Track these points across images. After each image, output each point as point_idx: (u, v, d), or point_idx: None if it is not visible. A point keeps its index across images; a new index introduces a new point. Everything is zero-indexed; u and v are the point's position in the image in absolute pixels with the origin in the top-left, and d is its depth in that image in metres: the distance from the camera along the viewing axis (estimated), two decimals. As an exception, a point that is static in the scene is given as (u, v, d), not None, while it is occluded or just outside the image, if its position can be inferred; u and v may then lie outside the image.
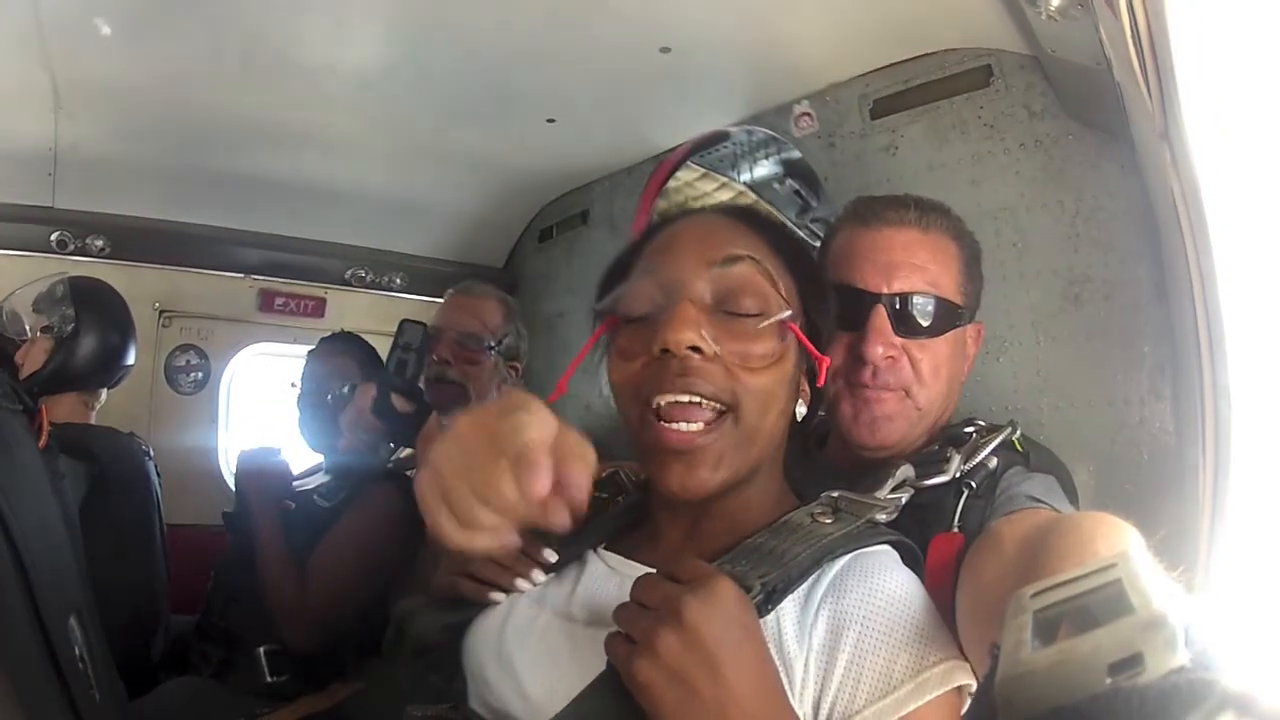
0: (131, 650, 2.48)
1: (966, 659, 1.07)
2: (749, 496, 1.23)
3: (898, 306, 1.53)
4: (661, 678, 0.93)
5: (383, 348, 3.04)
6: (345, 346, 2.99)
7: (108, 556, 2.35)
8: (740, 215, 1.29)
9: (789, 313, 1.19)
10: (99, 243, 3.39)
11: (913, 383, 1.56)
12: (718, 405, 1.14)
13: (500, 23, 2.23)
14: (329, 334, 3.11)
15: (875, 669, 1.04)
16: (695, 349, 1.12)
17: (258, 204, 3.54)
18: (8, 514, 1.28)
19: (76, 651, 1.47)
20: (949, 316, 1.57)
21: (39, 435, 1.69)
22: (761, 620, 1.04)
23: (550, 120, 2.87)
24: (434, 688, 1.32)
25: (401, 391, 2.37)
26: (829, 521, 1.19)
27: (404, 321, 2.38)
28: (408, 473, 2.79)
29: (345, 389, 2.80)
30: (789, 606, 1.10)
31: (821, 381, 1.27)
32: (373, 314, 3.98)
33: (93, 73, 2.55)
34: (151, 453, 2.95)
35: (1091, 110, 1.87)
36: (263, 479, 2.61)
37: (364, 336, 3.14)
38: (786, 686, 1.03)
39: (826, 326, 1.31)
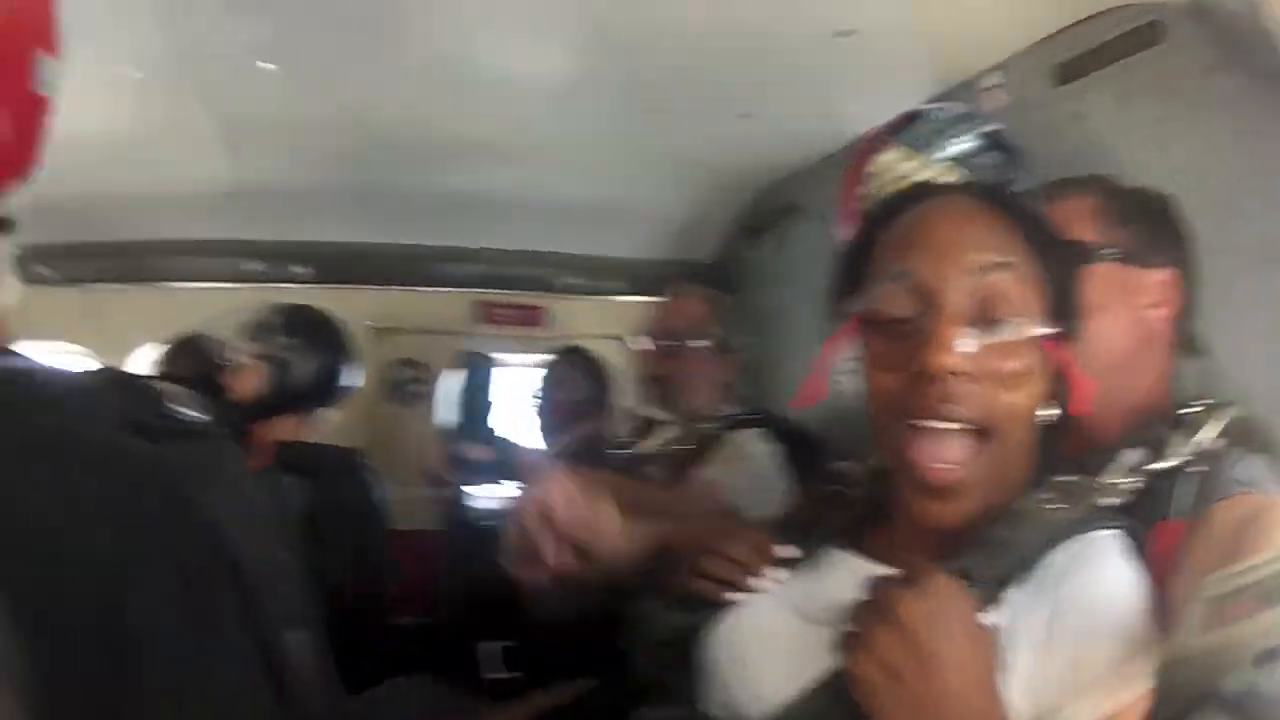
0: (357, 655, 2.63)
1: None
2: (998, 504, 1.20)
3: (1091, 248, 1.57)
4: (876, 673, 0.95)
5: (605, 351, 3.40)
6: (578, 360, 3.26)
7: (331, 567, 2.51)
8: (992, 199, 1.26)
9: (1049, 330, 1.17)
10: (299, 269, 3.71)
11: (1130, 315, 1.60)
12: (975, 430, 1.13)
13: (678, 20, 2.32)
14: (558, 344, 3.33)
15: (1086, 661, 1.02)
16: (956, 371, 1.11)
17: (463, 220, 3.77)
18: (224, 537, 1.39)
19: (293, 661, 1.59)
20: (1150, 248, 1.65)
21: (253, 456, 1.75)
22: (985, 613, 1.05)
23: (744, 115, 2.96)
24: (668, 689, 1.35)
25: (471, 439, 2.46)
26: (1056, 508, 1.16)
27: (468, 354, 2.55)
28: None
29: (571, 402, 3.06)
30: (1016, 596, 1.08)
31: (1090, 409, 1.23)
32: (591, 319, 4.19)
33: (259, 110, 2.77)
34: (371, 464, 3.13)
35: (1271, 61, 1.80)
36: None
37: (584, 342, 3.41)
38: (1006, 677, 1.03)
39: (1074, 321, 1.26)
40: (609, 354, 3.81)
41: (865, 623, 0.98)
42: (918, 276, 1.16)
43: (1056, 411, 1.21)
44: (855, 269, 1.27)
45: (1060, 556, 1.10)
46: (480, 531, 2.82)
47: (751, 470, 2.55)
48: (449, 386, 2.48)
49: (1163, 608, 1.13)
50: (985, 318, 1.14)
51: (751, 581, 1.30)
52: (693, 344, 2.82)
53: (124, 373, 1.57)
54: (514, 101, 2.81)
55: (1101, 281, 1.58)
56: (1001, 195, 1.29)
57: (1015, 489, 1.20)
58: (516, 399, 3.16)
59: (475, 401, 2.46)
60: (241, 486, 1.65)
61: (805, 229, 3.50)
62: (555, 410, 3.06)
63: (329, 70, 2.57)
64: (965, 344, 1.11)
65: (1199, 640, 0.74)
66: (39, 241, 3.60)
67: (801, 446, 2.69)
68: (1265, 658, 0.68)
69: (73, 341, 3.93)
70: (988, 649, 0.99)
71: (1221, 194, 1.95)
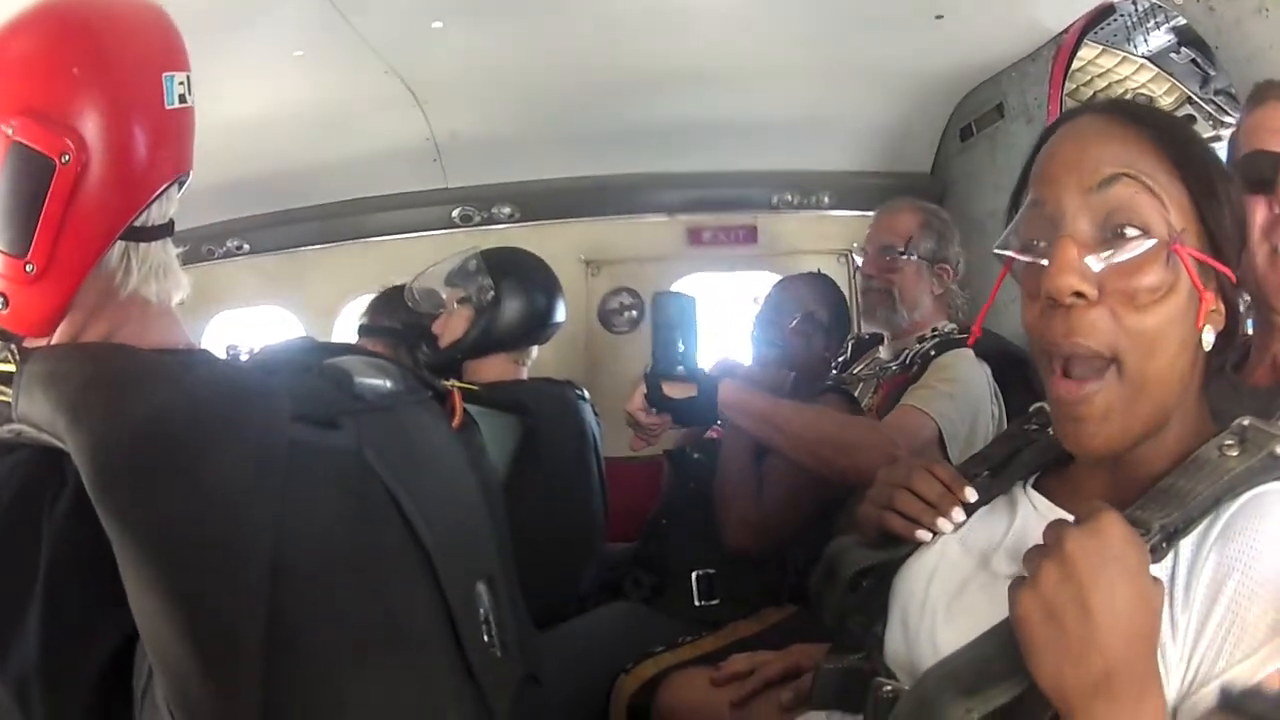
0: (561, 588, 2.78)
1: None
2: (1165, 441, 1.15)
3: None
4: (1038, 612, 0.93)
5: (820, 266, 3.41)
6: (812, 281, 3.20)
7: (540, 500, 2.62)
8: (1125, 115, 1.17)
9: (1173, 234, 1.09)
10: (507, 209, 3.82)
11: None
12: (1104, 353, 1.08)
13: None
14: (807, 273, 3.29)
15: (1243, 625, 0.97)
16: (1079, 294, 1.07)
17: (665, 147, 3.83)
18: (409, 510, 1.38)
19: (481, 615, 1.55)
20: None
21: (452, 416, 1.87)
22: (1159, 563, 1.02)
23: (939, 16, 2.96)
24: (852, 633, 1.36)
25: (672, 377, 2.42)
26: (1235, 454, 1.09)
27: (658, 295, 2.46)
28: (846, 387, 2.96)
29: (795, 320, 3.01)
30: (1185, 551, 1.04)
31: (1221, 314, 1.17)
32: (804, 234, 4.17)
33: (442, 66, 2.92)
34: (586, 395, 3.19)
35: None
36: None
37: (799, 257, 3.48)
38: (1169, 637, 1.00)
39: (1231, 233, 1.18)
40: (827, 268, 3.76)
41: (1036, 563, 0.96)
42: (1045, 204, 1.14)
43: (1211, 337, 1.15)
44: (1017, 199, 1.26)
45: (1233, 509, 1.05)
46: (689, 461, 2.86)
47: (962, 393, 2.57)
48: (651, 325, 2.49)
49: None
50: (1112, 235, 1.10)
51: (940, 521, 1.29)
52: (907, 256, 2.84)
53: (316, 349, 1.66)
54: (710, 29, 2.89)
55: None
56: (1133, 108, 1.20)
57: (1179, 419, 1.16)
58: (729, 324, 3.17)
59: (671, 339, 2.45)
60: (432, 450, 1.74)
61: (1015, 130, 3.45)
62: (777, 331, 3.07)
63: (521, 21, 2.70)
64: (1087, 264, 1.07)
65: None
66: (245, 214, 3.97)
67: (1011, 367, 2.69)
68: None
69: (282, 305, 4.26)
70: (1153, 603, 0.95)
71: None
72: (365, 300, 3.53)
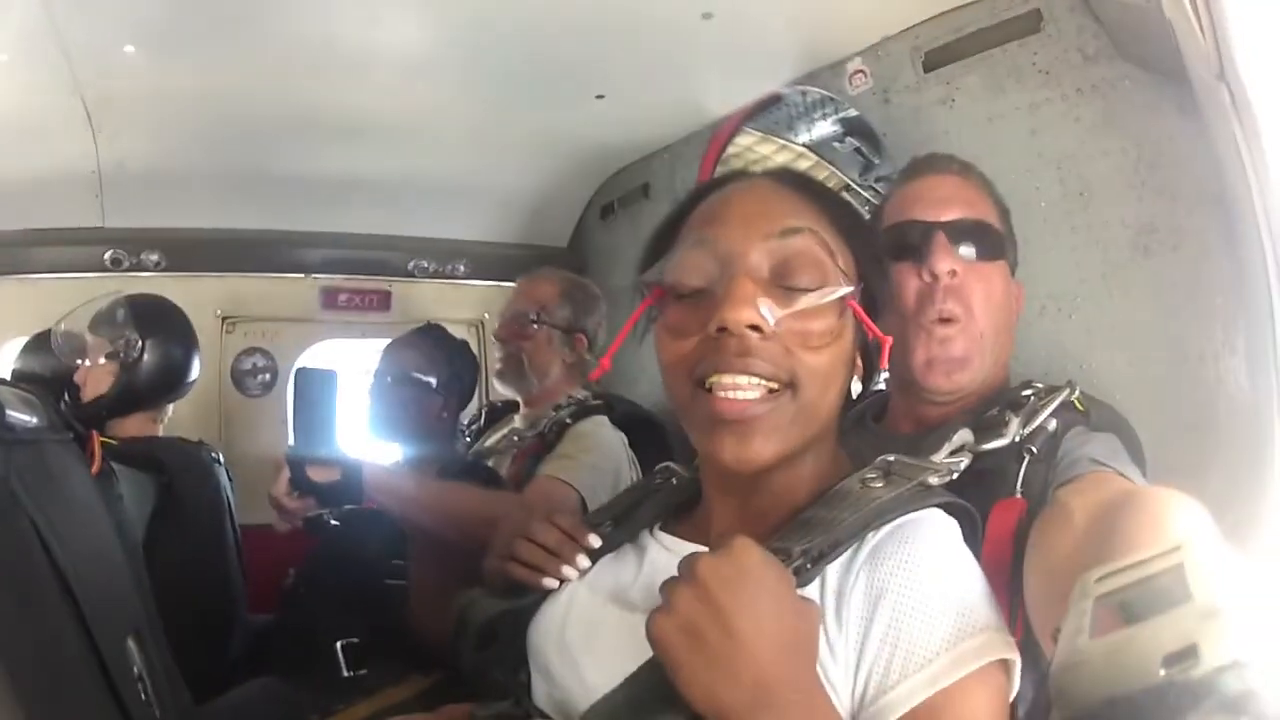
0: (207, 653, 2.64)
1: (1010, 633, 1.08)
2: (801, 473, 1.23)
3: (954, 232, 1.65)
4: (674, 630, 0.94)
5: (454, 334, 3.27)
6: (417, 338, 3.12)
7: (179, 562, 2.50)
8: (795, 182, 1.28)
9: (849, 289, 1.18)
10: (154, 257, 3.60)
11: (976, 306, 1.65)
12: (774, 386, 1.14)
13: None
14: (417, 326, 3.24)
15: (910, 641, 1.03)
16: (754, 328, 1.12)
17: (313, 202, 3.72)
18: (54, 548, 1.32)
19: (135, 671, 1.52)
20: (998, 245, 1.71)
21: (91, 462, 1.77)
22: (808, 590, 1.08)
23: (599, 96, 2.98)
24: (497, 683, 1.36)
25: (315, 460, 2.29)
26: (879, 485, 1.18)
27: (299, 371, 2.37)
28: (488, 462, 2.92)
29: (389, 380, 2.97)
30: (832, 576, 1.10)
31: (884, 363, 1.28)
32: (440, 303, 4.16)
33: (125, 89, 2.73)
34: (221, 458, 3.11)
35: (1146, 52, 1.85)
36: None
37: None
38: (828, 656, 1.05)
39: (884, 297, 1.31)
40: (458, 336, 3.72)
41: (671, 590, 0.98)
42: (718, 243, 1.19)
43: (858, 386, 1.28)
44: (663, 243, 1.31)
45: (881, 535, 1.12)
46: (329, 530, 2.66)
47: (602, 461, 2.59)
48: (291, 403, 2.35)
49: (1009, 586, 1.21)
50: (784, 281, 1.17)
51: (560, 568, 1.33)
52: (544, 324, 2.90)
53: None
54: (367, 81, 2.81)
55: (1005, 281, 1.74)
56: (803, 177, 1.33)
57: (815, 455, 1.24)
58: (362, 394, 3.03)
59: (314, 420, 2.29)
60: (74, 492, 1.60)
61: (658, 210, 3.44)
62: (387, 390, 2.95)
63: (183, 51, 2.55)
64: (763, 303, 1.13)
65: (1097, 643, 0.71)
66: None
67: (646, 431, 2.79)
68: (1175, 659, 0.64)
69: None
70: (803, 618, 0.99)
71: (1094, 181, 2.04)
72: (20, 343, 3.28)
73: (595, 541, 1.35)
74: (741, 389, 1.13)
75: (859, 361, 1.27)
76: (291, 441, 2.32)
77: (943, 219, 1.66)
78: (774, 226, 1.18)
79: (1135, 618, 0.70)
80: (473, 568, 2.39)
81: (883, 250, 1.38)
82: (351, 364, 3.94)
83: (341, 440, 2.37)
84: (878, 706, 1.02)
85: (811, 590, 1.08)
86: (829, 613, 1.07)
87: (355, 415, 3.12)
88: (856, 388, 1.27)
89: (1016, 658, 1.06)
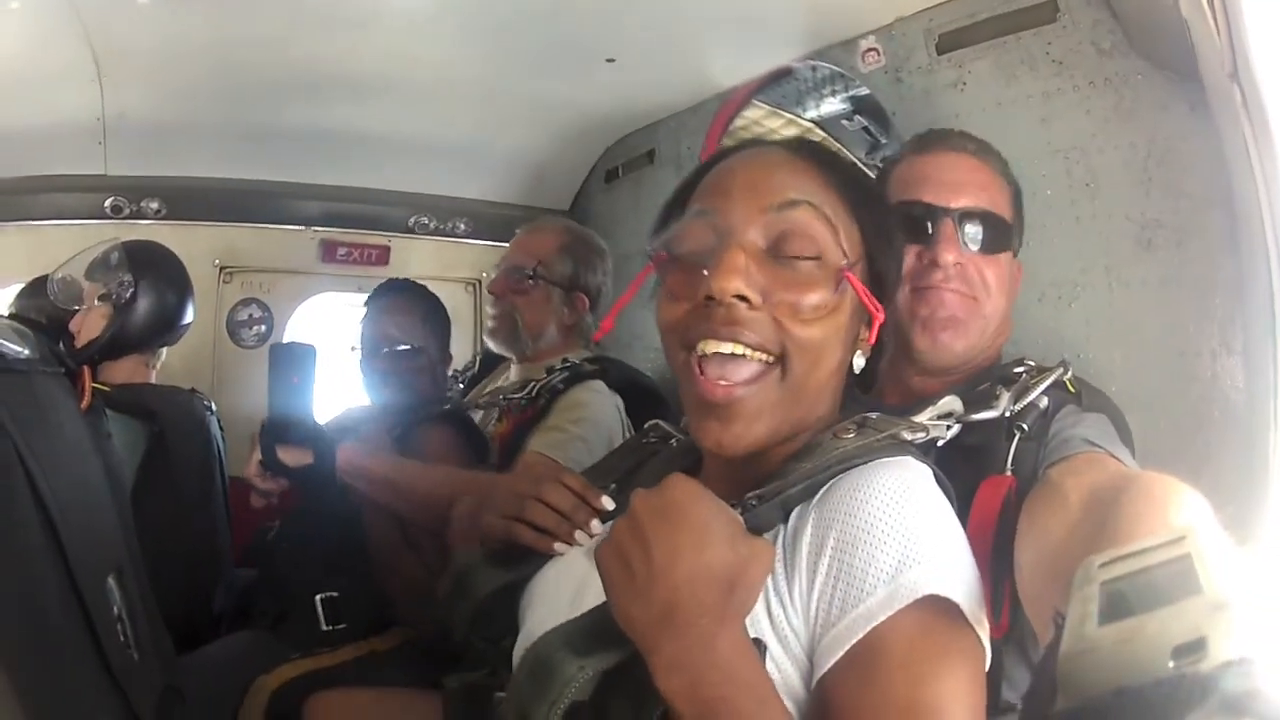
0: (193, 604, 2.68)
1: (948, 570, 1.05)
2: (795, 448, 1.22)
3: (964, 220, 1.66)
4: (609, 555, 1.01)
5: (447, 294, 3.29)
6: (403, 299, 3.04)
7: (167, 512, 2.53)
8: (804, 151, 1.28)
9: (845, 261, 1.19)
10: (154, 205, 3.61)
11: (979, 289, 1.66)
12: (764, 356, 1.16)
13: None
14: (385, 282, 3.16)
15: (849, 574, 1.03)
16: (742, 298, 1.14)
17: (316, 156, 3.72)
18: (38, 478, 1.31)
19: (115, 611, 1.52)
20: (1005, 236, 1.71)
21: (81, 397, 1.77)
22: (767, 531, 1.11)
23: (610, 60, 2.96)
24: (478, 648, 1.37)
25: (287, 441, 2.32)
26: (850, 436, 1.18)
27: (274, 347, 2.38)
28: (464, 413, 2.89)
29: (402, 348, 2.91)
30: (793, 518, 1.12)
31: (873, 339, 1.27)
32: (438, 260, 4.18)
33: (133, 39, 2.71)
34: (214, 407, 3.13)
35: (1160, 48, 1.87)
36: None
37: (427, 284, 3.21)
38: (787, 601, 1.07)
39: (892, 272, 1.31)
40: (455, 295, 3.85)
41: (616, 522, 1.03)
42: (717, 214, 1.20)
43: (861, 362, 1.28)
44: (674, 210, 1.32)
45: (844, 479, 1.12)
46: (310, 484, 2.65)
47: (593, 432, 2.48)
48: (267, 378, 2.34)
49: (993, 562, 1.23)
50: (781, 254, 1.18)
51: (572, 532, 1.32)
52: (541, 279, 2.77)
53: None
54: (374, 38, 2.78)
55: (1009, 268, 1.74)
56: (815, 147, 1.32)
57: (815, 431, 1.24)
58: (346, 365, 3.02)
59: (291, 395, 2.32)
60: (61, 424, 1.59)
61: (661, 177, 3.54)
62: (378, 352, 2.90)
63: (191, 2, 2.52)
64: (752, 274, 1.15)
65: (1106, 631, 0.69)
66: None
67: (642, 398, 2.68)
68: (1185, 651, 0.64)
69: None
70: (733, 553, 0.99)
71: (1102, 174, 2.05)
72: (16, 289, 3.34)
73: (610, 503, 1.35)
74: (728, 366, 1.16)
75: (864, 335, 1.27)
76: (267, 415, 2.32)
77: (953, 205, 1.66)
78: (773, 199, 1.19)
79: (1144, 606, 0.69)
80: (432, 534, 2.36)
81: (894, 226, 1.34)
82: (345, 319, 3.89)
83: (319, 413, 2.40)
84: (823, 644, 1.03)
85: (773, 535, 1.12)
86: (787, 554, 1.09)
87: (343, 380, 3.17)
88: (860, 363, 1.27)
89: (958, 599, 1.03)
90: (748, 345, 1.15)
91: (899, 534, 1.03)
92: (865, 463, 1.13)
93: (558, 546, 1.31)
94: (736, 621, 0.99)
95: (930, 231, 1.64)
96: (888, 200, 1.44)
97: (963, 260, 1.64)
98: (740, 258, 1.14)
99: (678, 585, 0.95)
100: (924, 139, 1.82)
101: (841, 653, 1.01)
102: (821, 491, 1.12)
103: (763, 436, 1.18)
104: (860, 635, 1.00)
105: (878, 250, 1.26)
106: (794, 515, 1.12)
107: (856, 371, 1.28)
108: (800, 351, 1.16)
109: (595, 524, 1.32)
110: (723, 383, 1.15)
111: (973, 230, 1.65)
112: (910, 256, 1.63)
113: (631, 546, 0.98)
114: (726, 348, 1.15)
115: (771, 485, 1.13)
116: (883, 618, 1.00)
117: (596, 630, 1.04)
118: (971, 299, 1.65)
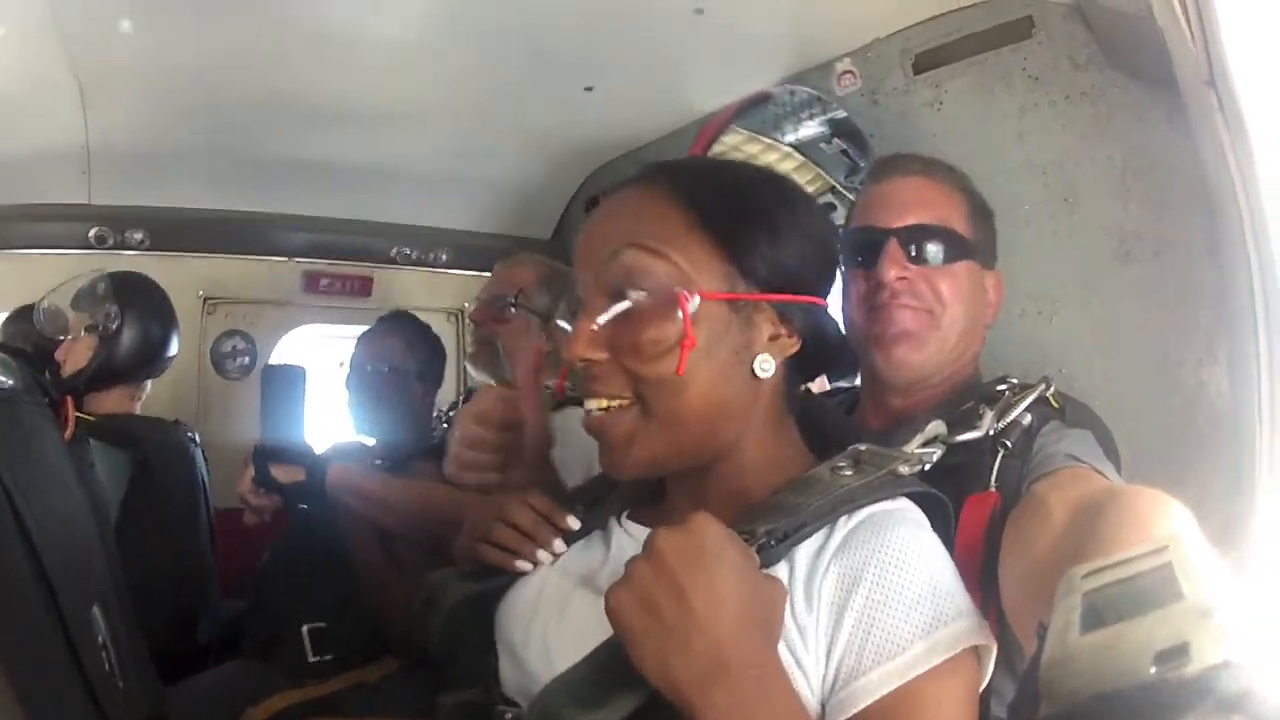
0: (178, 634, 2.66)
1: (984, 619, 1.07)
2: (740, 463, 1.23)
3: (909, 238, 1.67)
4: (630, 603, 0.95)
5: (430, 324, 3.29)
6: (394, 327, 3.13)
7: (151, 542, 2.54)
8: (645, 181, 1.26)
9: (679, 286, 1.14)
10: (138, 235, 3.60)
11: (933, 303, 1.67)
12: (620, 402, 1.18)
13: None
14: (385, 313, 3.25)
15: (884, 628, 1.03)
16: (588, 360, 1.18)
17: (298, 186, 3.71)
18: (21, 507, 1.30)
19: (99, 640, 1.50)
20: (959, 247, 1.70)
21: (65, 427, 1.77)
22: (776, 573, 1.08)
23: (589, 88, 2.97)
24: (464, 667, 1.37)
25: (280, 458, 2.37)
26: (849, 473, 1.17)
27: (266, 369, 2.47)
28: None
29: (386, 369, 2.97)
30: (801, 560, 1.10)
31: (790, 334, 1.23)
32: (421, 291, 4.19)
33: (118, 66, 2.71)
34: (197, 439, 3.14)
35: (1136, 59, 1.87)
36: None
37: (416, 314, 3.29)
38: (798, 641, 1.05)
39: (777, 269, 1.21)
40: (437, 325, 3.72)
41: (630, 565, 0.98)
42: (576, 284, 1.25)
43: (771, 365, 1.22)
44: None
45: (851, 524, 1.11)
46: (296, 513, 2.66)
47: (574, 456, 2.46)
48: (260, 400, 2.39)
49: (981, 580, 1.24)
50: (620, 300, 1.18)
51: (536, 551, 1.33)
52: (521, 308, 2.77)
53: None
54: (357, 67, 2.79)
55: (974, 277, 1.75)
56: (665, 168, 1.28)
57: (755, 442, 1.24)
58: (338, 386, 3.05)
59: (282, 415, 2.40)
60: (45, 454, 1.59)
61: None
62: (371, 381, 2.95)
63: (176, 30, 2.51)
64: (597, 334, 1.18)
65: (1087, 639, 0.70)
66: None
67: None
68: (1167, 656, 0.65)
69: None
70: (764, 594, 0.99)
71: (1080, 187, 2.07)
72: (1, 318, 3.35)
73: (574, 523, 1.35)
74: (602, 419, 1.20)
75: (781, 332, 1.22)
76: (260, 435, 2.37)
77: (895, 225, 1.68)
78: (600, 256, 1.20)
79: (1125, 615, 0.70)
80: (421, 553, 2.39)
81: (783, 219, 1.24)
82: (329, 352, 3.98)
83: (309, 436, 2.43)
84: (849, 691, 1.02)
85: (780, 573, 1.09)
86: (798, 597, 1.08)
87: (329, 407, 3.20)
88: (767, 368, 1.20)
89: (991, 644, 1.06)
90: (604, 397, 1.19)
91: (930, 592, 1.04)
92: (871, 504, 1.13)
93: (521, 565, 1.33)
94: (780, 668, 0.98)
95: (876, 251, 1.66)
96: (750, 200, 1.28)
97: (908, 275, 1.65)
98: (585, 325, 1.17)
99: (723, 635, 0.92)
100: (877, 168, 1.85)
101: (870, 700, 1.01)
102: (838, 537, 1.10)
103: (640, 462, 1.19)
104: (894, 685, 1.01)
105: (742, 255, 1.19)
106: (802, 554, 1.11)
107: (765, 376, 1.21)
108: (655, 386, 1.16)
109: (558, 543, 1.33)
110: (593, 412, 1.20)
111: (917, 246, 1.67)
112: (860, 280, 1.70)
113: (661, 595, 0.94)
114: (591, 404, 1.20)
115: (782, 524, 1.08)
116: (920, 670, 1.01)
117: (601, 678, 1.01)
118: (926, 312, 1.67)
